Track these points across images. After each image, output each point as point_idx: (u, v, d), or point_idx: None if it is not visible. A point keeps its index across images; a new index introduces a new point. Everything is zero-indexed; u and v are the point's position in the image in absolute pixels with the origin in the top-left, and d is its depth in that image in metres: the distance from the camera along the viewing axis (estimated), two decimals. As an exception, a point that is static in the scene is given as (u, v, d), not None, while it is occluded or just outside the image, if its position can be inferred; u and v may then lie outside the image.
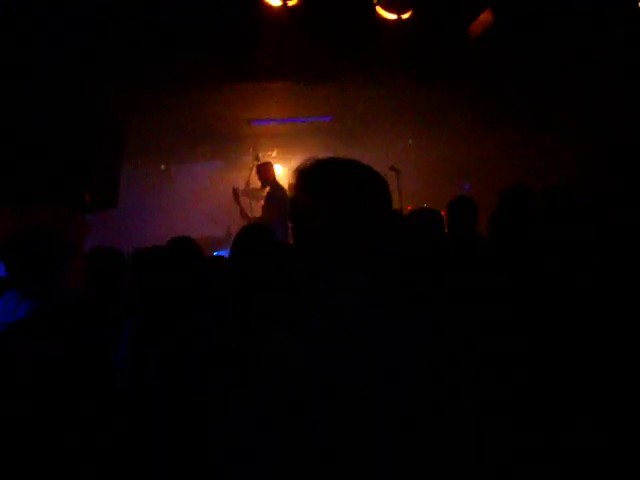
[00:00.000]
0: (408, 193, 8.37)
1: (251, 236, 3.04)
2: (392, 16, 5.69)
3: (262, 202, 8.59)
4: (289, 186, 1.75)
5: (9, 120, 5.77)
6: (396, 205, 7.40)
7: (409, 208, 7.54)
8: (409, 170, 8.80)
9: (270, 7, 5.45)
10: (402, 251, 1.82)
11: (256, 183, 8.80)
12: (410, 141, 10.24)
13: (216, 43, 5.78)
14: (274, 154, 10.37)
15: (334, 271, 1.65)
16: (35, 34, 5.29)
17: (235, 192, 8.11)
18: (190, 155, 9.76)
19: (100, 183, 6.66)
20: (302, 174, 1.74)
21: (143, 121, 7.61)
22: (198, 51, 5.85)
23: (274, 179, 7.92)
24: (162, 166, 9.29)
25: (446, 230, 4.34)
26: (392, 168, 7.71)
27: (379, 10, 5.75)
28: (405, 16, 5.75)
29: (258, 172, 8.07)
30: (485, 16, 5.90)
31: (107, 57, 5.75)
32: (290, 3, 5.45)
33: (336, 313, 1.56)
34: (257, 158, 9.27)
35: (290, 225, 1.76)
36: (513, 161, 8.03)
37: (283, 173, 10.25)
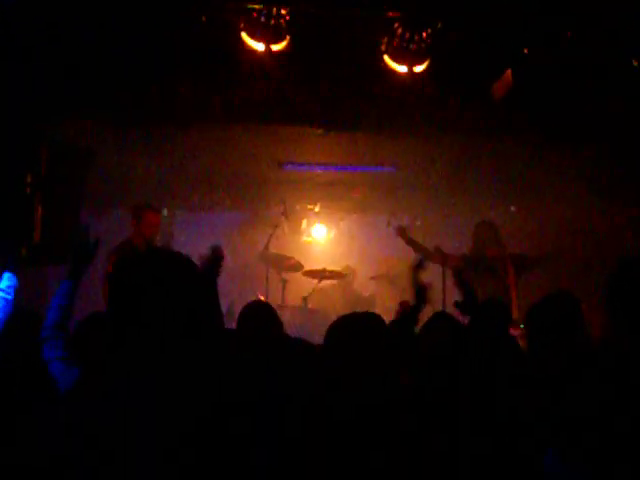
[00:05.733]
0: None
1: None
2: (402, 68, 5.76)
3: (283, 273, 8.38)
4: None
5: None
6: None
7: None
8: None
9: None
10: None
11: (279, 247, 8.31)
12: (512, 208, 8.72)
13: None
14: (317, 209, 8.69)
15: None
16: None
17: None
18: (202, 202, 8.41)
19: (46, 236, 5.79)
20: None
21: (130, 157, 7.18)
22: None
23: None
24: (165, 211, 7.72)
25: None
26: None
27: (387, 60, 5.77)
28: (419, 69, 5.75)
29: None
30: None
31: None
32: (275, 48, 5.63)
33: None
34: (285, 214, 8.07)
35: None
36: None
37: (327, 236, 9.04)
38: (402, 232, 6.90)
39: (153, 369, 1.87)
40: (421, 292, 4.05)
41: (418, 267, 4.17)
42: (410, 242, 6.83)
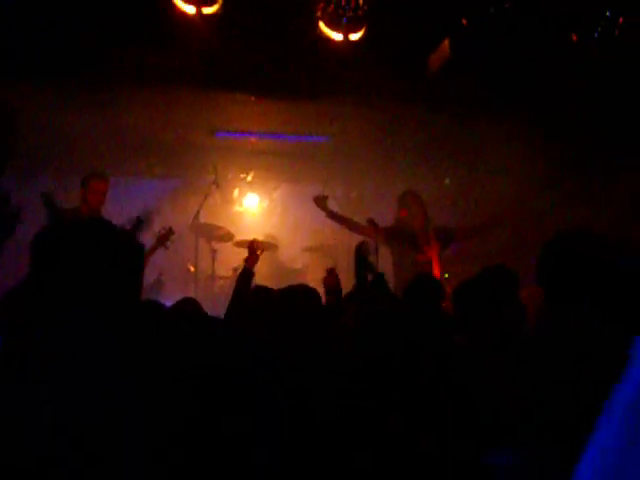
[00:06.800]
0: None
1: None
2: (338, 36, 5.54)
3: (213, 243, 8.02)
4: None
5: None
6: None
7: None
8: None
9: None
10: None
11: (210, 217, 7.77)
12: (447, 181, 8.23)
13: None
14: (249, 178, 8.32)
15: None
16: None
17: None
18: (131, 168, 7.83)
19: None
20: None
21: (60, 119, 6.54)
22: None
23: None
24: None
25: None
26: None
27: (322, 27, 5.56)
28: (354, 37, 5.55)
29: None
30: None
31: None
32: (206, 11, 5.41)
33: None
34: (217, 182, 7.58)
35: None
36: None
37: (260, 206, 8.67)
38: (321, 203, 6.19)
39: (74, 316, 1.76)
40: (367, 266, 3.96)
41: (363, 250, 4.01)
42: (330, 214, 6.24)
